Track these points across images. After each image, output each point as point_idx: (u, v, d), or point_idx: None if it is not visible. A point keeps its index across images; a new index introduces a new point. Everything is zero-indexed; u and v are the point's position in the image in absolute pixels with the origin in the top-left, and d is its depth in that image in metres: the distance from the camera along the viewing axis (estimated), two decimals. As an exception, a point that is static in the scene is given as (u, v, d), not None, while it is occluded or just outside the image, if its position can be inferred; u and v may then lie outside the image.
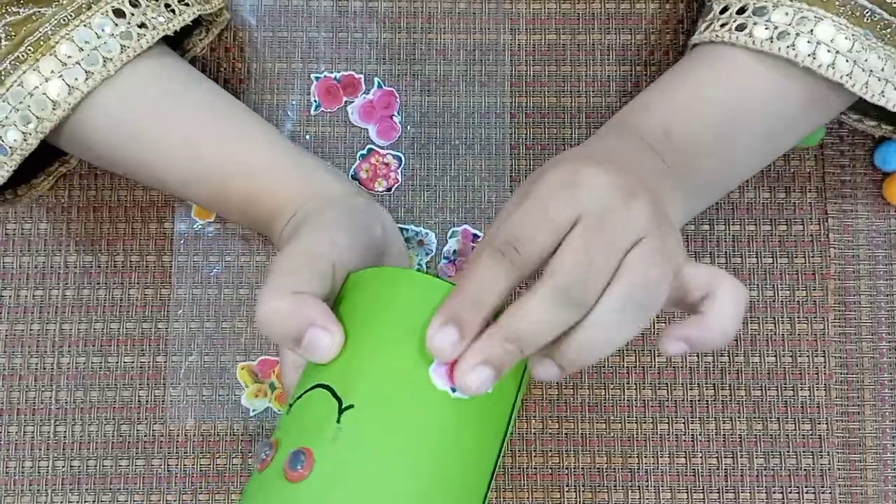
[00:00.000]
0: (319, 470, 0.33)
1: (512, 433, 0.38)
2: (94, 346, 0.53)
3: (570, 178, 0.35)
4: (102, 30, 0.43)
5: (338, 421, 0.34)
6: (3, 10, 0.43)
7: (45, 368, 0.52)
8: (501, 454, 0.37)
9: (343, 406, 0.34)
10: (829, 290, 0.53)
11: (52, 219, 0.53)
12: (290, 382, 0.41)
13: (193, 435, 0.52)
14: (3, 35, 0.43)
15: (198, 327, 0.53)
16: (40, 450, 0.52)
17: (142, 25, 0.44)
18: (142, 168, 0.47)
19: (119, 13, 0.44)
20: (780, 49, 0.42)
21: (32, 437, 0.52)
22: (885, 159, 0.53)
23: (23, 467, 0.52)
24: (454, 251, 0.53)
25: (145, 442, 0.52)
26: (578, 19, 0.55)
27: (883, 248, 0.53)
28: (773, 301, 0.53)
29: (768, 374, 0.52)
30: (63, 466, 0.52)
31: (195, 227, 0.54)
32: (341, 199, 0.45)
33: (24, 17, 0.43)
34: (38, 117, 0.43)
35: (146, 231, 0.53)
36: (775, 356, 0.53)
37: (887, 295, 0.53)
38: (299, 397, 0.36)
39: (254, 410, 0.52)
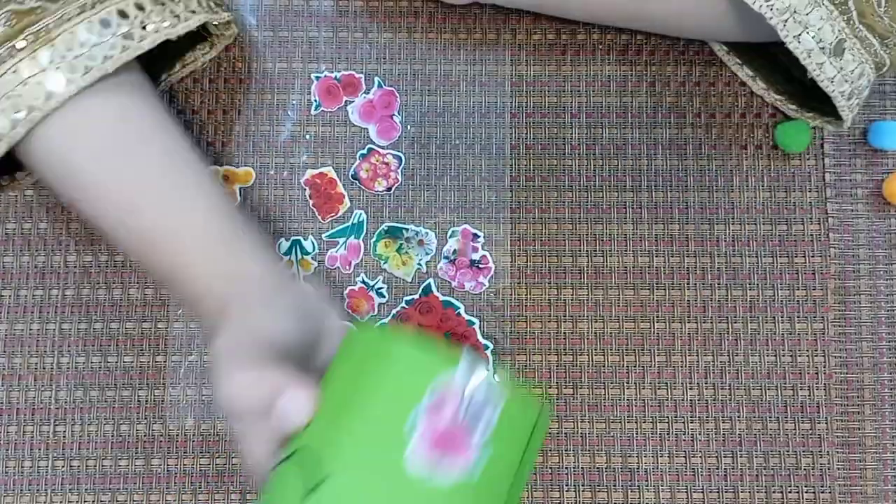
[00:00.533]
0: None
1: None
2: (94, 346, 0.53)
3: None
4: (105, 27, 0.43)
5: (314, 490, 0.32)
6: None
7: (45, 368, 0.52)
8: None
9: (322, 476, 0.32)
10: (829, 290, 0.53)
11: (52, 219, 0.53)
12: (258, 455, 0.39)
13: (193, 435, 0.52)
14: (3, 20, 0.43)
15: (198, 327, 0.53)
16: (40, 450, 0.52)
17: (144, 27, 0.44)
18: (76, 203, 0.46)
19: (123, 14, 0.44)
20: None
21: (32, 437, 0.52)
22: (879, 136, 0.53)
23: (23, 467, 0.52)
24: (454, 251, 0.53)
25: (145, 442, 0.52)
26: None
27: (883, 247, 0.54)
28: (773, 301, 0.53)
29: (768, 373, 0.52)
30: (63, 466, 0.52)
31: (195, 226, 0.53)
32: (265, 280, 0.44)
33: (29, 8, 0.43)
34: (29, 106, 0.43)
35: (146, 231, 0.53)
36: (775, 356, 0.53)
37: (887, 295, 0.53)
38: (282, 461, 0.35)
39: (254, 410, 0.52)
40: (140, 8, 0.44)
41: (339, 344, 0.40)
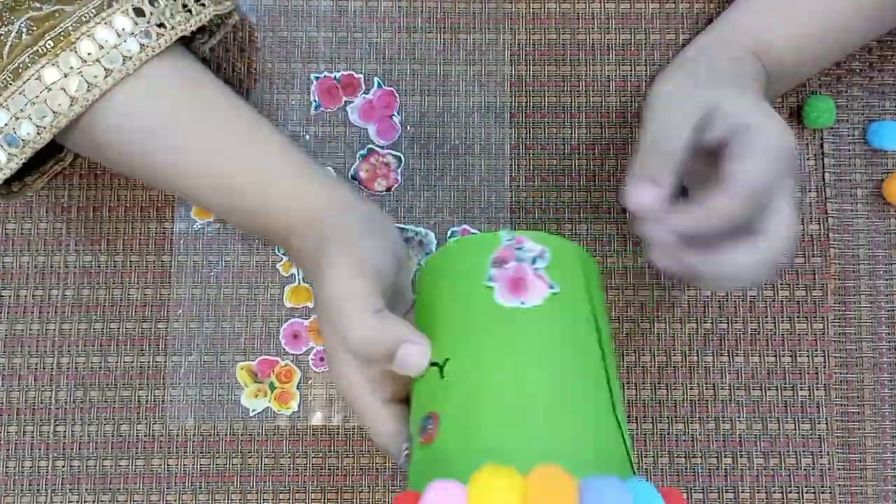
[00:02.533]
0: (444, 424, 0.36)
1: (609, 336, 0.41)
2: (94, 346, 0.53)
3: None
4: (123, 28, 0.44)
5: (442, 376, 0.37)
6: (27, 6, 0.43)
7: (45, 368, 0.52)
8: (609, 357, 0.39)
9: (441, 363, 0.37)
10: (829, 290, 0.53)
11: (52, 219, 0.53)
12: (355, 380, 0.42)
13: (193, 435, 0.52)
14: (24, 30, 0.43)
15: (198, 327, 0.53)
16: (40, 450, 0.52)
17: (160, 25, 0.45)
18: (151, 171, 0.47)
19: (139, 12, 0.44)
20: None
21: (32, 437, 0.52)
22: (879, 136, 0.53)
23: (23, 467, 0.52)
24: (454, 251, 0.53)
25: (145, 442, 0.52)
26: (578, 19, 0.55)
27: (883, 247, 0.53)
28: (773, 301, 0.53)
29: (768, 374, 0.52)
30: (63, 466, 0.52)
31: (195, 226, 0.54)
32: (356, 208, 0.46)
33: (47, 13, 0.43)
34: (54, 112, 0.43)
35: (146, 231, 0.53)
36: (775, 356, 0.53)
37: (887, 295, 0.53)
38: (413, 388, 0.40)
39: (254, 410, 0.52)
40: (153, 4, 0.45)
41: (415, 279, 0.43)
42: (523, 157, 0.54)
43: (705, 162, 0.42)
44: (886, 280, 0.53)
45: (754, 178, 0.39)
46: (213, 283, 0.53)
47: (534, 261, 0.39)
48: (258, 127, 0.47)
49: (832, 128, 0.54)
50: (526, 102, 0.54)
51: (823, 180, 0.54)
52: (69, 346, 0.53)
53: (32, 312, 0.53)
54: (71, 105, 0.43)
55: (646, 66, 0.55)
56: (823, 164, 0.54)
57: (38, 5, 0.43)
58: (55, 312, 0.53)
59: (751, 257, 0.40)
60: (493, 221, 0.53)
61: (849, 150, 0.54)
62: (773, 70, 0.48)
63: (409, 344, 0.39)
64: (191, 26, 0.46)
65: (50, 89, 0.43)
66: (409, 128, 0.54)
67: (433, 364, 0.38)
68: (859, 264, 0.53)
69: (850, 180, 0.54)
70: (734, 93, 0.43)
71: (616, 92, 0.54)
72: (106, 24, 0.43)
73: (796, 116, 0.54)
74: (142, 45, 0.44)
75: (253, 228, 0.48)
